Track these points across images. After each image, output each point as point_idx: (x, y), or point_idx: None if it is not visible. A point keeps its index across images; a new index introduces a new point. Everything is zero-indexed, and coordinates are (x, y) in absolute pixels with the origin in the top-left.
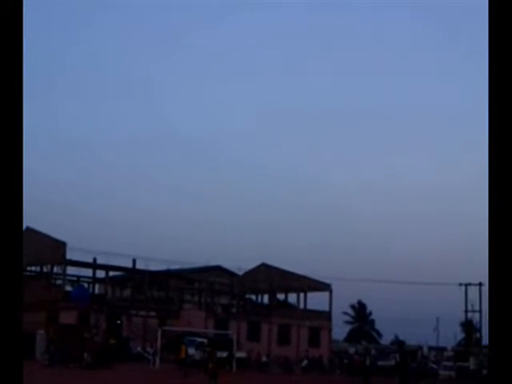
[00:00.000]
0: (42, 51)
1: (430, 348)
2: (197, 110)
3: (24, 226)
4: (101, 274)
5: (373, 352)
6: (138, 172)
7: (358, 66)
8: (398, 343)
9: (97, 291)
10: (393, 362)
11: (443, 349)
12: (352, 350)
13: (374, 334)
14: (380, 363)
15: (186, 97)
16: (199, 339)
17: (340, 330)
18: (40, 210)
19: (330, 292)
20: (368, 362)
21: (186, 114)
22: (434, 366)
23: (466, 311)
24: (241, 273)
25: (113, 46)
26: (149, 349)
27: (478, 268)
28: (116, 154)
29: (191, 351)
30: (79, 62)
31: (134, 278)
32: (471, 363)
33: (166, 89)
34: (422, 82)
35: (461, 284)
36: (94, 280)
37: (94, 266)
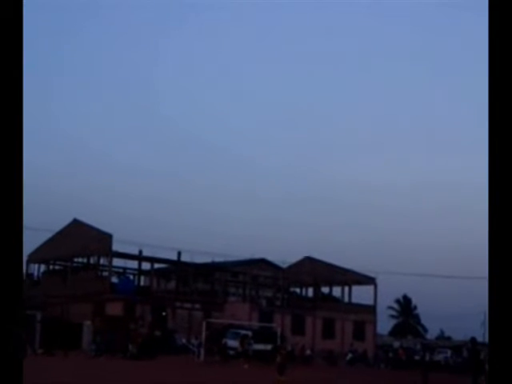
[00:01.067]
0: (38, 51)
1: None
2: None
3: (71, 219)
4: (146, 266)
5: (418, 347)
6: (178, 174)
7: (356, 67)
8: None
9: (142, 283)
10: (441, 357)
11: None
12: (397, 344)
13: (420, 329)
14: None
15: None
16: (243, 331)
17: (385, 324)
18: (87, 205)
19: (375, 286)
20: (428, 357)
21: (190, 118)
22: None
23: None
24: (285, 266)
25: (107, 45)
26: (193, 341)
27: None
28: (148, 158)
29: (235, 343)
30: (73, 62)
31: (178, 271)
32: None
33: (159, 88)
34: (423, 81)
35: None
36: (140, 272)
37: (140, 258)
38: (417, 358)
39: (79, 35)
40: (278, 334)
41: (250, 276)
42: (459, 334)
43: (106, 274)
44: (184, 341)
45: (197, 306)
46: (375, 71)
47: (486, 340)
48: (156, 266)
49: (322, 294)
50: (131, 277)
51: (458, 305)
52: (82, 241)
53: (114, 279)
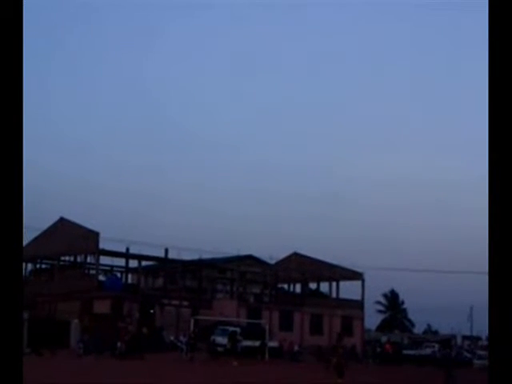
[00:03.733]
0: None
1: (464, 337)
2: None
3: (58, 217)
4: (133, 263)
5: (405, 341)
6: (165, 171)
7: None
8: None
9: (130, 281)
10: (428, 352)
11: (477, 338)
12: (384, 339)
13: (407, 324)
14: (411, 352)
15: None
16: (232, 328)
17: (372, 319)
18: (73, 203)
19: (363, 281)
20: (454, 353)
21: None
22: (468, 355)
23: None
24: (273, 262)
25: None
26: (181, 338)
27: None
28: (135, 154)
29: (223, 340)
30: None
31: (166, 268)
32: None
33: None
34: (422, 83)
35: None
36: (127, 269)
37: (127, 255)
38: (437, 355)
39: (73, 37)
40: (267, 330)
41: (238, 272)
42: (446, 329)
43: (93, 272)
44: (172, 338)
45: (185, 303)
46: (376, 71)
47: (474, 333)
48: (143, 263)
49: (310, 289)
50: (119, 275)
51: (445, 299)
52: (68, 239)
53: (102, 277)
